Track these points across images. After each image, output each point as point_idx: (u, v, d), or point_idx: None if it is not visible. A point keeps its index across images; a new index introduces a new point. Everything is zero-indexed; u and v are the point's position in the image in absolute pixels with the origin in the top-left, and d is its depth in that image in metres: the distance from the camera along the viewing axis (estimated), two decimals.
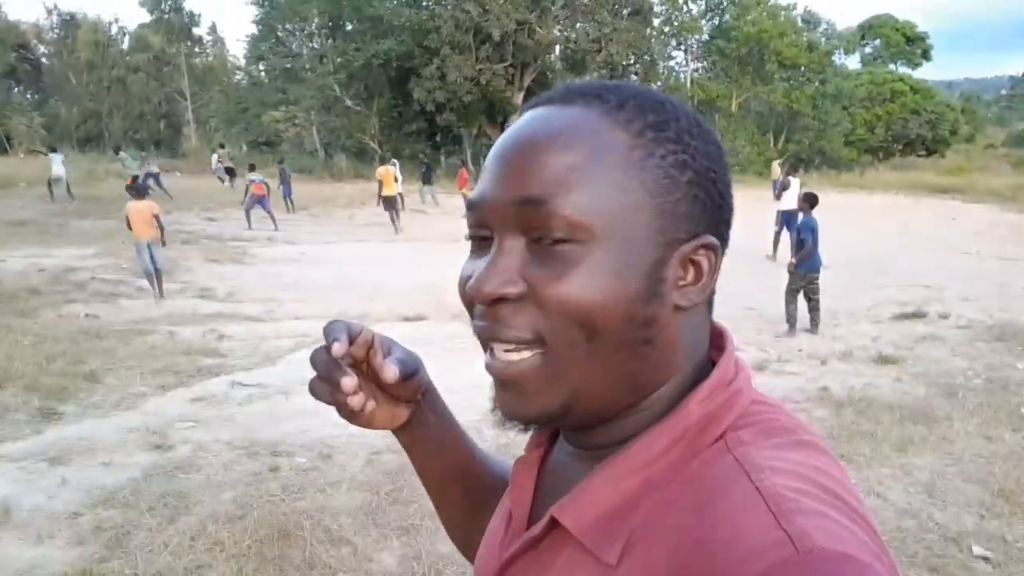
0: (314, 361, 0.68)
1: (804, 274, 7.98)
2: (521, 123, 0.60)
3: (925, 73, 46.88)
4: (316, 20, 29.94)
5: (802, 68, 38.63)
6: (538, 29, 27.74)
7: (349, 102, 29.68)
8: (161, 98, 41.12)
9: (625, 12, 29.75)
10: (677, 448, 0.56)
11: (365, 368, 0.71)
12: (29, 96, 44.45)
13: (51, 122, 39.62)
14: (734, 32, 36.95)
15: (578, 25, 29.47)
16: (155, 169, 22.08)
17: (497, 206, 0.57)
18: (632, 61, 31.41)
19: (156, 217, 10.11)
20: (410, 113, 30.16)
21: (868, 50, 51.74)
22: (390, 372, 0.66)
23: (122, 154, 23.15)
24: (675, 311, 0.57)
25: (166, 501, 3.85)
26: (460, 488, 0.84)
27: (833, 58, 41.85)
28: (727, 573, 0.45)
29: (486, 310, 0.57)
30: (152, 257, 9.86)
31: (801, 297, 8.12)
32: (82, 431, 5.01)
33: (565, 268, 0.54)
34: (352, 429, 5.08)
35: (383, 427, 0.76)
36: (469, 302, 0.60)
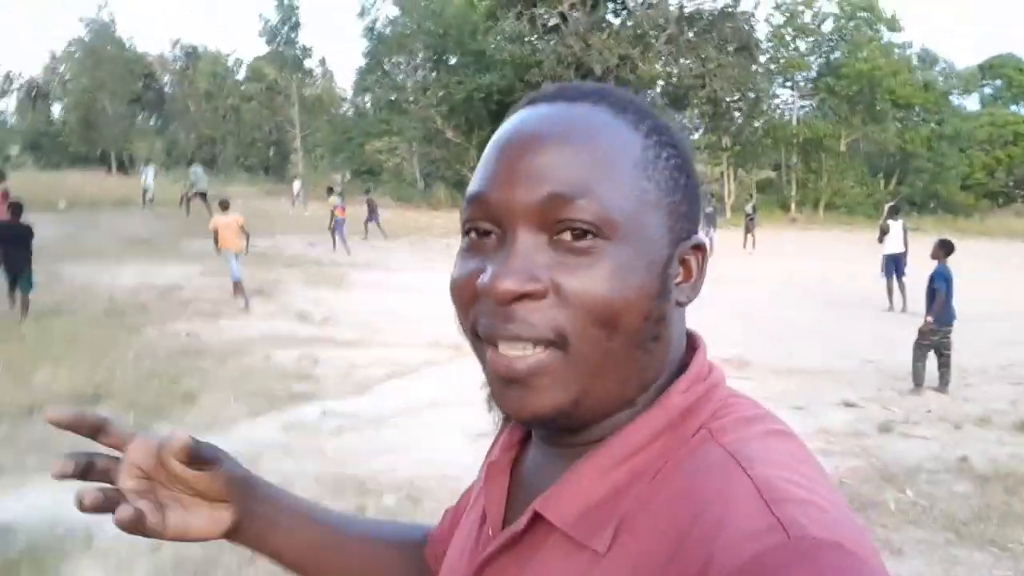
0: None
1: (937, 328, 7.31)
2: (526, 118, 0.58)
3: None
4: (421, 53, 30.59)
5: (917, 108, 37.07)
6: (640, 65, 27.49)
7: (450, 134, 30.10)
8: (272, 126, 42.91)
9: (731, 48, 29.13)
10: (662, 437, 0.55)
11: (164, 475, 0.67)
12: (152, 121, 47.23)
13: (170, 146, 41.91)
14: (844, 69, 35.78)
15: (681, 60, 29.07)
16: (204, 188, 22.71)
17: (513, 201, 0.55)
18: (736, 97, 30.62)
19: (242, 228, 10.89)
20: None
21: (988, 91, 49.04)
22: (177, 444, 0.64)
23: (194, 168, 23.31)
24: (677, 307, 0.59)
25: None
26: (334, 560, 0.80)
27: (951, 98, 39.97)
28: (719, 557, 0.45)
29: (497, 308, 0.54)
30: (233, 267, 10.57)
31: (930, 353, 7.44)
32: None
33: (590, 263, 0.54)
34: (445, 471, 4.83)
35: (206, 536, 0.71)
36: (471, 300, 0.57)
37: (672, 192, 0.58)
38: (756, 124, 35.43)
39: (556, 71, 27.44)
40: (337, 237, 17.21)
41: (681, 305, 0.59)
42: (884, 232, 12.64)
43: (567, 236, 0.54)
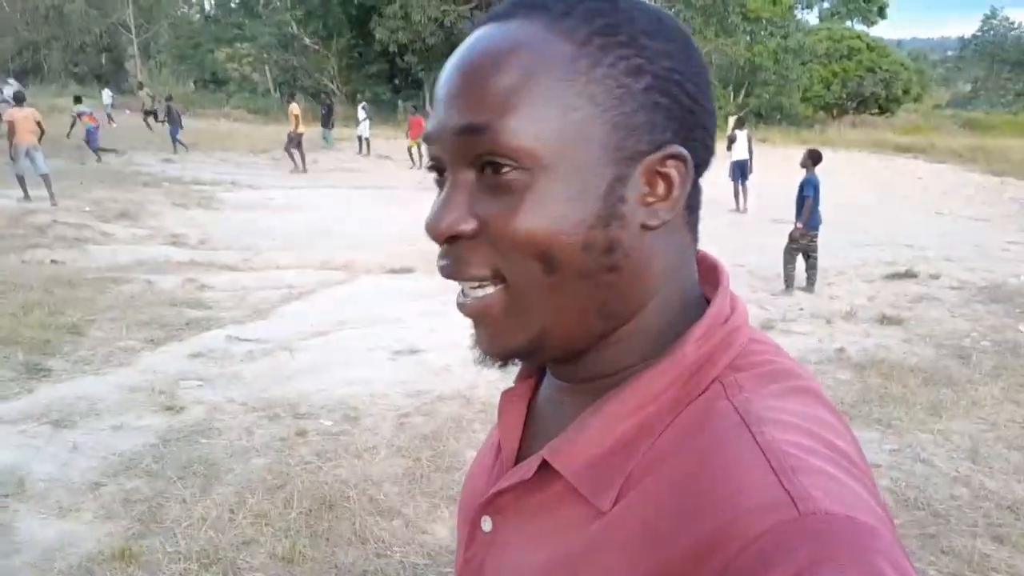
0: None
1: (806, 232, 7.91)
2: (464, 45, 0.55)
3: (878, 31, 47.23)
4: None
5: (764, 22, 38.48)
6: None
7: (307, 40, 28.50)
8: (103, 29, 38.89)
9: None
10: (673, 390, 0.53)
11: None
12: None
13: None
14: None
15: None
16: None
17: (442, 138, 0.53)
18: None
19: (39, 123, 11.17)
20: (371, 54, 29.12)
21: (826, 5, 51.76)
22: None
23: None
24: (643, 231, 0.53)
25: (194, 469, 3.57)
26: None
27: (794, 12, 41.76)
28: (727, 532, 0.43)
29: (446, 248, 0.54)
30: (35, 162, 10.83)
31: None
32: (78, 390, 4.67)
33: (514, 199, 0.51)
34: (373, 389, 4.86)
35: None
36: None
37: (618, 103, 0.51)
38: None
39: None
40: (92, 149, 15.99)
41: (650, 228, 0.53)
42: (732, 141, 13.78)
43: (489, 171, 0.52)
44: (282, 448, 3.85)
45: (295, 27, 28.28)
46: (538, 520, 0.56)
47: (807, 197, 7.92)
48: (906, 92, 46.70)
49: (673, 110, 0.53)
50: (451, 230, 0.53)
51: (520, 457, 0.61)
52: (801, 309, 7.33)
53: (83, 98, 19.08)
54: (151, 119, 22.61)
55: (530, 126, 0.50)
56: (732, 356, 0.54)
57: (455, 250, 0.54)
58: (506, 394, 0.65)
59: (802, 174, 8.12)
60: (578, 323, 0.54)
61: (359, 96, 22.33)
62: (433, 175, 0.57)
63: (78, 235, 9.54)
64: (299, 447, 3.88)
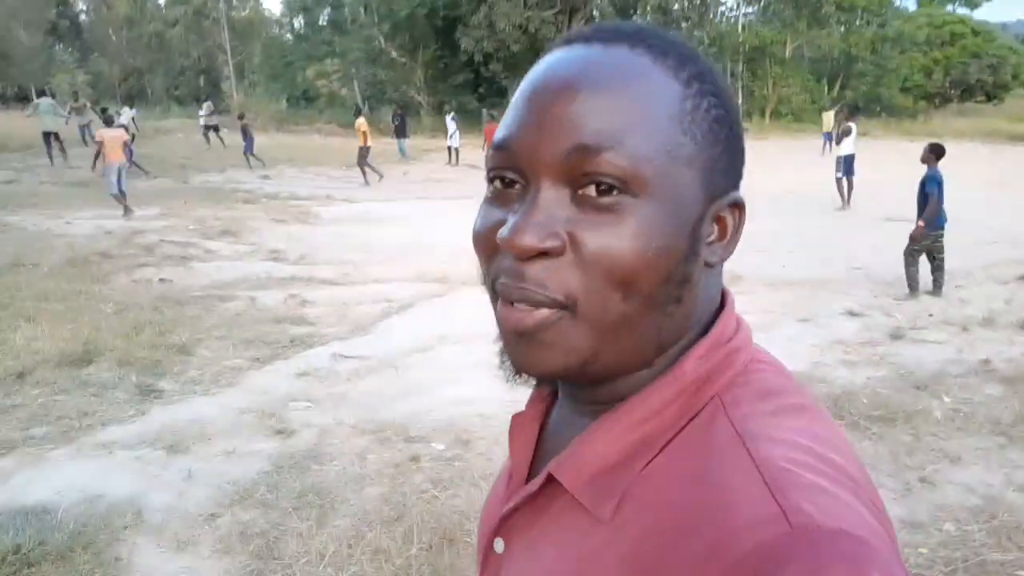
0: None
1: (929, 232, 7.34)
2: (559, 61, 0.55)
3: (982, 14, 44.69)
4: None
5: (860, 10, 36.89)
6: None
7: (394, 54, 28.91)
8: (200, 53, 40.54)
9: None
10: (674, 406, 0.54)
11: None
12: (71, 53, 44.22)
13: (95, 80, 39.34)
14: None
15: None
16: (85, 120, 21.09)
17: (538, 151, 0.52)
18: (685, 5, 29.96)
19: (126, 143, 12.11)
20: (456, 64, 29.33)
21: None
22: None
23: (42, 100, 18.93)
24: (705, 268, 0.55)
25: (308, 499, 3.45)
26: None
27: None
28: (718, 545, 0.44)
29: (515, 265, 0.52)
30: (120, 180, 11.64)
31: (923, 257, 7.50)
32: (190, 412, 4.66)
33: (614, 221, 0.51)
34: (483, 409, 4.67)
35: None
36: (490, 252, 0.55)
37: (711, 146, 0.54)
38: (703, 32, 34.94)
39: None
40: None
41: (710, 266, 0.56)
42: (846, 134, 13.03)
43: (592, 191, 0.51)
44: (396, 475, 3.69)
45: (382, 41, 28.72)
46: (544, 534, 0.57)
47: (930, 195, 7.35)
48: (1015, 77, 43.97)
49: (737, 160, 0.57)
50: (541, 244, 0.51)
51: (531, 476, 0.63)
52: (931, 315, 6.78)
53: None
54: (211, 133, 23.18)
55: (644, 152, 0.51)
56: (733, 375, 0.55)
57: (527, 268, 0.52)
58: (517, 418, 0.66)
59: (922, 170, 7.56)
60: (630, 351, 0.55)
61: (446, 107, 22.37)
62: (495, 184, 0.56)
63: (183, 253, 9.78)
64: (413, 474, 3.72)
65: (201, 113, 23.81)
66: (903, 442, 4.11)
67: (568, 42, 0.57)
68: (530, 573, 0.57)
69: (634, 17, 32.68)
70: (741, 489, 0.46)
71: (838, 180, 13.06)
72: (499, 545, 0.62)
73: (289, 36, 38.86)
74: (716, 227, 0.56)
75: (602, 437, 0.55)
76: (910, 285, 7.46)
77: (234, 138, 21.00)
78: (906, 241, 7.52)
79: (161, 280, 8.41)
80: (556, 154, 0.51)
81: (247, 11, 43.14)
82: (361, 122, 17.35)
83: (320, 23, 30.84)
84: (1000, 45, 43.00)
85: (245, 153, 18.97)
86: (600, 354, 0.54)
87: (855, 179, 13.02)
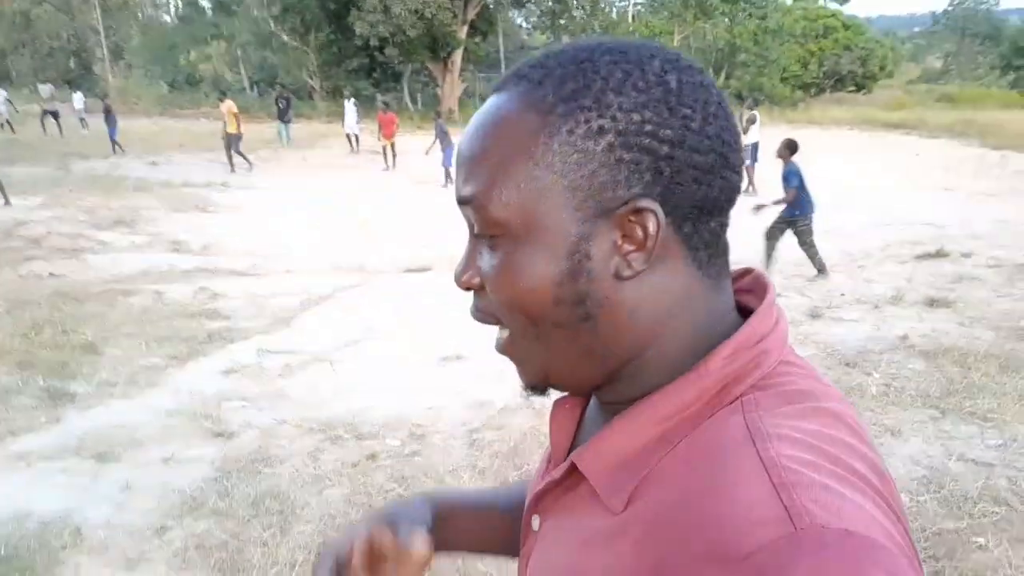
0: None
1: (799, 218, 7.58)
2: (476, 114, 0.60)
3: (849, 10, 47.27)
4: None
5: (743, 3, 38.30)
6: None
7: (285, 37, 27.83)
8: (70, 33, 37.79)
9: None
10: (695, 405, 0.54)
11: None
12: None
13: None
14: None
15: None
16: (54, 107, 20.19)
17: (458, 203, 0.59)
18: None
19: None
20: (350, 48, 28.48)
21: None
22: (420, 550, 0.67)
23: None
24: (618, 280, 0.55)
25: (266, 505, 3.23)
26: (500, 539, 0.85)
27: None
28: (722, 545, 0.44)
29: (473, 295, 0.61)
30: None
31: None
32: (111, 416, 4.31)
33: (498, 261, 0.57)
34: (431, 401, 4.53)
35: None
36: None
37: (576, 167, 0.54)
38: (595, 23, 35.41)
39: None
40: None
41: (625, 278, 0.55)
42: (751, 122, 13.53)
43: (483, 235, 0.58)
44: (355, 475, 3.51)
45: (271, 24, 27.59)
46: (566, 519, 0.60)
47: (792, 188, 7.55)
48: (882, 68, 46.84)
49: (642, 163, 0.54)
50: (466, 283, 0.60)
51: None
52: (843, 295, 7.08)
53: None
54: (47, 119, 21.46)
55: (502, 198, 0.55)
56: (759, 376, 0.55)
57: (474, 300, 0.61)
58: (558, 403, 0.69)
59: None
60: (572, 365, 0.58)
61: (346, 92, 21.62)
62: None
63: (74, 245, 9.10)
64: (373, 472, 3.54)
65: (77, 107, 22.05)
66: None
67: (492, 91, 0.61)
68: (553, 555, 0.60)
69: (528, 6, 32.79)
70: (747, 489, 0.46)
71: (747, 168, 13.49)
72: (535, 522, 0.66)
73: (167, 18, 36.77)
74: (635, 235, 0.55)
75: (620, 432, 0.57)
76: (817, 266, 7.72)
77: (96, 122, 19.75)
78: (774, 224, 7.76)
79: (52, 274, 7.79)
80: (459, 205, 0.59)
81: None
82: (230, 105, 16.04)
83: (201, 4, 29.21)
84: (868, 38, 45.66)
85: (111, 137, 17.76)
86: (551, 370, 0.60)
87: (757, 166, 13.47)
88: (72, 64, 41.36)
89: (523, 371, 0.61)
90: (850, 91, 45.14)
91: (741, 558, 0.43)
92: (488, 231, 0.56)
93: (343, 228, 10.57)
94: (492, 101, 0.58)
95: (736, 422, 0.52)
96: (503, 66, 35.05)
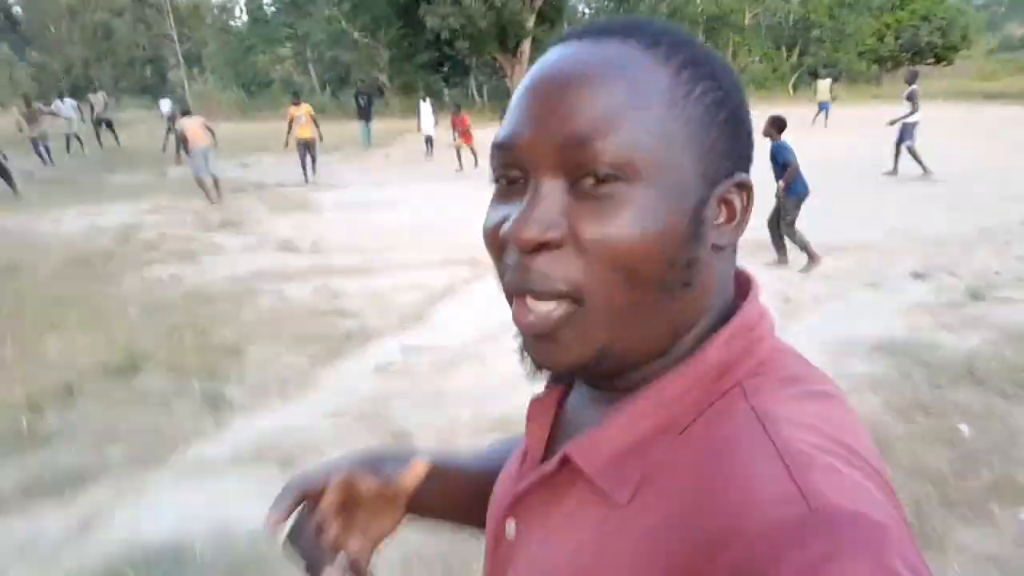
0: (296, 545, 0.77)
1: (801, 196, 7.00)
2: (552, 59, 0.57)
3: None
4: None
5: None
6: None
7: (356, 35, 27.98)
8: (145, 42, 38.85)
9: None
10: (694, 391, 0.55)
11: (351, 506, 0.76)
12: (7, 48, 42.02)
13: (38, 73, 37.40)
14: None
15: None
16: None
17: (535, 146, 0.54)
18: None
19: (208, 128, 12.03)
20: (420, 43, 28.51)
21: None
22: (411, 476, 0.75)
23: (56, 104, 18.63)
24: (713, 251, 0.56)
25: None
26: (478, 505, 0.78)
27: None
28: (737, 525, 0.44)
29: (520, 259, 0.54)
30: (209, 163, 11.86)
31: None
32: (276, 421, 4.22)
33: (611, 209, 0.52)
34: None
35: (390, 534, 0.80)
36: (500, 249, 0.57)
37: (706, 130, 0.54)
38: (663, 5, 34.75)
39: None
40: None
41: (719, 249, 0.56)
42: (914, 98, 11.46)
43: (589, 181, 0.53)
44: None
45: (342, 22, 27.76)
46: (559, 516, 0.58)
47: (789, 163, 6.81)
48: (964, 39, 44.72)
49: (740, 142, 0.57)
50: (541, 236, 0.53)
51: (546, 460, 0.62)
52: (997, 273, 6.61)
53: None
54: (103, 129, 20.85)
55: (635, 140, 0.52)
56: (755, 362, 0.55)
57: (532, 261, 0.53)
58: (535, 400, 0.67)
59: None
60: (644, 337, 0.56)
61: (420, 91, 21.24)
62: (500, 182, 0.58)
63: (188, 248, 9.19)
64: None
65: (165, 112, 21.39)
66: None
67: (563, 40, 0.58)
68: (545, 559, 0.57)
69: None
70: (759, 470, 0.46)
71: (910, 149, 11.69)
72: (511, 529, 0.63)
73: (235, 23, 37.31)
74: (723, 209, 0.56)
75: (620, 422, 0.55)
76: (808, 253, 7.03)
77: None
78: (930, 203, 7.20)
79: (173, 277, 7.85)
80: (550, 147, 0.53)
81: None
82: (307, 108, 14.50)
83: (274, 7, 29.45)
84: (949, 6, 43.58)
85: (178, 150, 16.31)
86: (614, 344, 0.55)
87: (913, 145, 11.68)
88: (148, 72, 42.57)
89: (569, 348, 0.55)
90: (929, 63, 43.28)
91: (755, 536, 0.43)
92: (599, 171, 0.52)
93: (441, 221, 10.45)
94: (596, 46, 0.55)
95: (742, 408, 0.52)
96: None
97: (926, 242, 7.88)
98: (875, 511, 0.43)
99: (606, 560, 0.51)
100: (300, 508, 0.75)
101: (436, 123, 18.30)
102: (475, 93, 32.82)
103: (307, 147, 14.24)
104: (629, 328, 0.54)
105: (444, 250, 8.87)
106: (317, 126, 14.41)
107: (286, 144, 14.63)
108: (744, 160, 0.57)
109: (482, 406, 4.19)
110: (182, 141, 12.36)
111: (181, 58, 37.52)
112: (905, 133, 11.71)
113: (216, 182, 11.99)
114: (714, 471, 0.48)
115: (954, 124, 17.67)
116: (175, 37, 37.73)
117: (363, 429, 3.97)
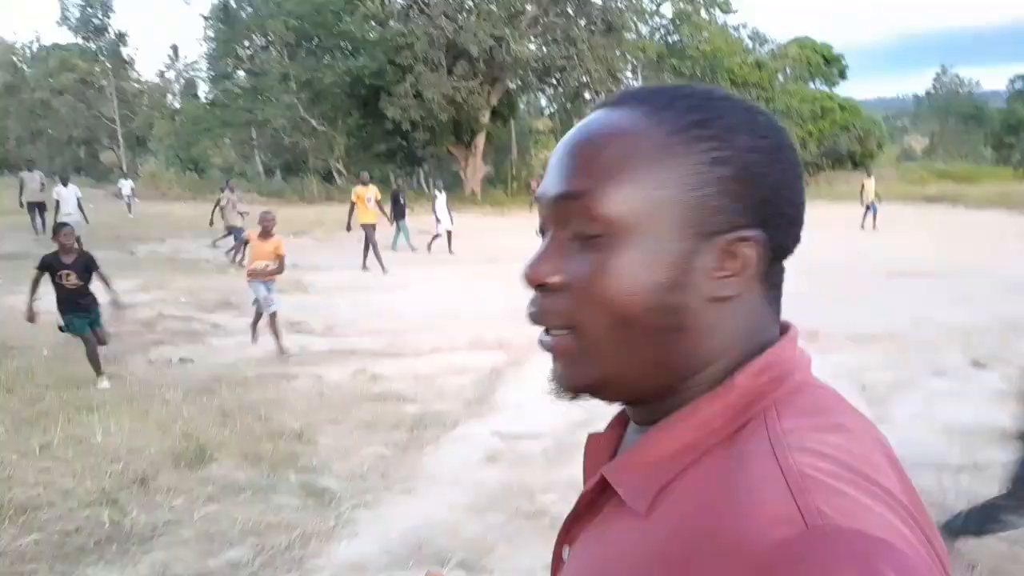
0: None
1: None
2: (578, 124, 0.63)
3: (842, 92, 48.59)
4: (278, 36, 27.87)
5: (751, 87, 39.29)
6: (513, 46, 26.84)
7: (314, 122, 27.94)
8: (86, 122, 37.87)
9: (597, 28, 29.18)
10: (721, 417, 0.56)
11: None
12: None
13: None
14: (689, 50, 37.20)
15: (551, 42, 28.80)
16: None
17: (547, 201, 0.61)
18: (603, 78, 30.56)
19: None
20: (378, 133, 28.63)
21: (789, 71, 53.26)
22: None
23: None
24: (712, 301, 0.58)
25: None
26: None
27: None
28: (738, 544, 0.46)
29: (537, 296, 0.60)
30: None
31: None
32: (406, 514, 3.79)
33: (598, 259, 0.57)
34: None
35: None
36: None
37: (697, 186, 0.57)
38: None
39: (428, 52, 26.26)
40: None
41: (720, 300, 0.58)
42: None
43: (584, 233, 0.58)
44: None
45: (301, 110, 27.72)
46: (595, 533, 0.61)
47: None
48: (880, 147, 47.89)
49: (751, 198, 0.57)
50: (540, 279, 0.59)
51: None
52: None
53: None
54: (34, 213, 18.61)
55: (618, 197, 0.56)
56: (783, 393, 0.56)
57: (543, 299, 0.60)
58: (592, 437, 0.70)
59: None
60: (639, 374, 0.59)
61: (438, 185, 18.02)
62: (538, 233, 0.64)
63: (189, 328, 8.61)
64: None
65: (125, 193, 21.35)
66: None
67: (593, 109, 0.64)
68: (579, 566, 0.60)
69: (545, 86, 33.37)
70: (763, 492, 0.47)
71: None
72: (566, 553, 0.65)
73: (178, 106, 36.73)
74: (730, 261, 0.57)
75: (651, 442, 0.58)
76: None
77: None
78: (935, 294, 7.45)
79: (181, 359, 7.25)
80: (552, 202, 0.60)
81: (142, 80, 40.79)
82: (373, 190, 13.74)
83: (234, 91, 29.21)
84: (866, 118, 46.77)
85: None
86: (611, 377, 0.59)
87: None
88: (82, 153, 41.38)
89: (574, 373, 0.60)
90: (848, 170, 46.00)
91: (754, 556, 0.44)
92: (592, 229, 0.57)
93: (445, 305, 10.11)
94: (608, 113, 0.61)
95: (759, 433, 0.53)
96: (514, 151, 35.38)
97: (953, 331, 7.96)
98: (878, 530, 0.44)
99: (625, 566, 0.53)
100: None
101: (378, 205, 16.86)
102: (423, 182, 32.99)
103: (367, 234, 13.33)
104: (624, 363, 0.58)
105: (466, 333, 8.51)
106: (382, 209, 13.63)
107: (348, 228, 13.82)
108: (770, 217, 0.58)
109: None
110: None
111: (122, 140, 36.70)
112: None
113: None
114: (722, 491, 0.50)
115: (918, 224, 18.59)
116: (117, 118, 36.98)
117: (521, 525, 3.55)
